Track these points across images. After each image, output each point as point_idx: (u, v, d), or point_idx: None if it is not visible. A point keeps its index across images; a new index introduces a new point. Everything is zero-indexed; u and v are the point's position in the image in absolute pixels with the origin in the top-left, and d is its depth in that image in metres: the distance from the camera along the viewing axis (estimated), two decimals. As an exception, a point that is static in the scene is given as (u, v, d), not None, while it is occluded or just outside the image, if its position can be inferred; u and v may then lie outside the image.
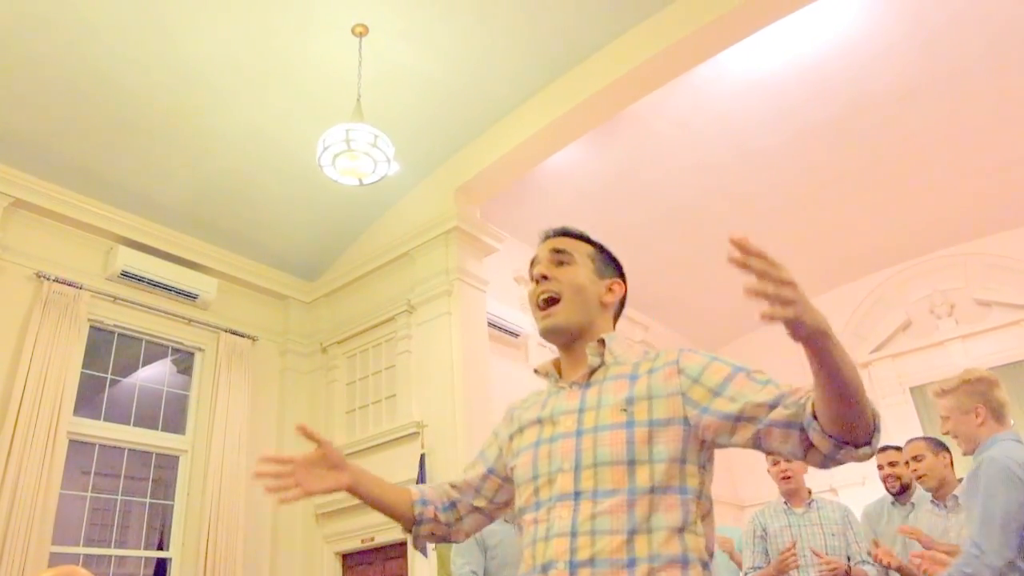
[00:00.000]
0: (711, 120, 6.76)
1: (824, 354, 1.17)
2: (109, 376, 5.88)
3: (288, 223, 6.72)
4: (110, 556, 5.58)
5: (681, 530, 1.21)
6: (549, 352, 6.37)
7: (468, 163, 6.39)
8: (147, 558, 5.79)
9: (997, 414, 2.45)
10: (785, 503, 3.67)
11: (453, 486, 1.65)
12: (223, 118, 5.64)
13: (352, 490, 1.56)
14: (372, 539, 6.08)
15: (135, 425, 5.88)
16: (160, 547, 5.85)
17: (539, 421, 1.40)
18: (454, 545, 3.52)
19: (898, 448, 3.82)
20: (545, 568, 1.22)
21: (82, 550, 5.32)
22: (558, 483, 1.27)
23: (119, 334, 5.98)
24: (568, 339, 1.43)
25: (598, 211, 7.64)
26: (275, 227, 6.71)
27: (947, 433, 2.44)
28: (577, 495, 1.24)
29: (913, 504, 3.77)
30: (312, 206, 6.58)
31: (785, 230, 8.65)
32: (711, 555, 1.28)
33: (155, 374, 6.25)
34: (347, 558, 6.35)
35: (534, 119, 5.93)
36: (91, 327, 5.72)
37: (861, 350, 9.88)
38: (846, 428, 1.17)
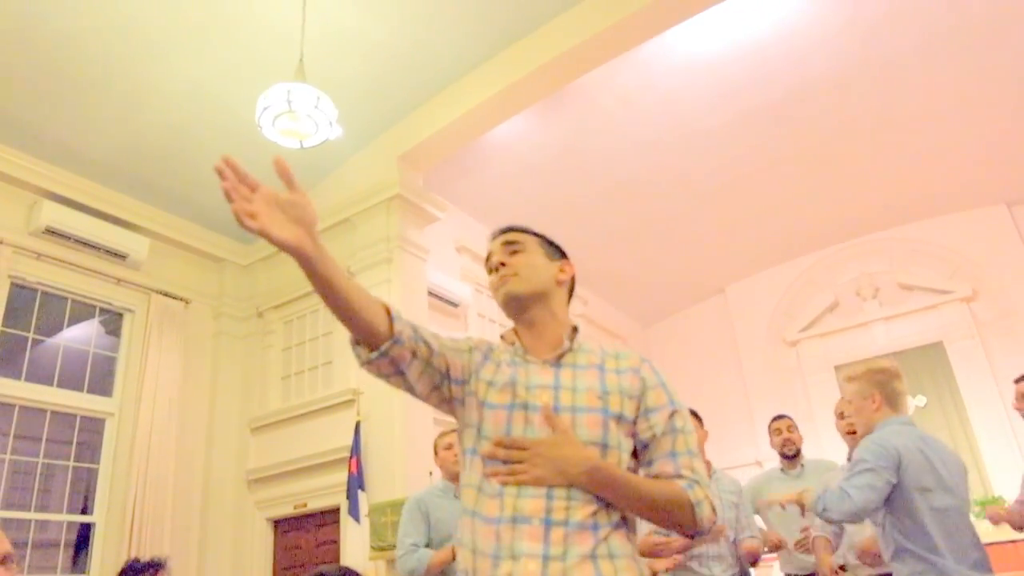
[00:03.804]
0: (656, 98, 6.83)
1: None
2: (31, 335, 5.66)
3: (225, 184, 6.52)
4: (30, 520, 5.42)
5: None
6: (488, 322, 6.41)
7: (412, 130, 6.31)
8: (70, 523, 5.65)
9: (892, 402, 2.67)
10: None
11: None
12: (160, 71, 5.42)
13: (308, 259, 1.30)
14: (305, 505, 6.06)
15: (59, 386, 5.69)
16: (84, 511, 5.71)
17: (512, 384, 1.46)
18: (402, 515, 3.52)
19: (788, 417, 4.04)
20: (515, 520, 1.32)
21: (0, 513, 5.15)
22: None
23: (43, 292, 5.76)
24: (524, 308, 1.55)
25: (541, 184, 7.67)
26: (211, 187, 6.48)
27: (847, 416, 2.68)
28: None
29: (803, 467, 3.96)
30: (251, 167, 6.23)
31: (723, 210, 8.85)
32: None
33: (81, 335, 6.05)
34: (279, 524, 6.32)
35: (480, 89, 5.88)
36: (12, 284, 5.49)
37: (791, 329, 10.23)
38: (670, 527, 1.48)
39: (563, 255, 1.67)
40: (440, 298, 6.92)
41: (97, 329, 6.17)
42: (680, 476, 1.41)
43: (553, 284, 1.59)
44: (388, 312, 1.40)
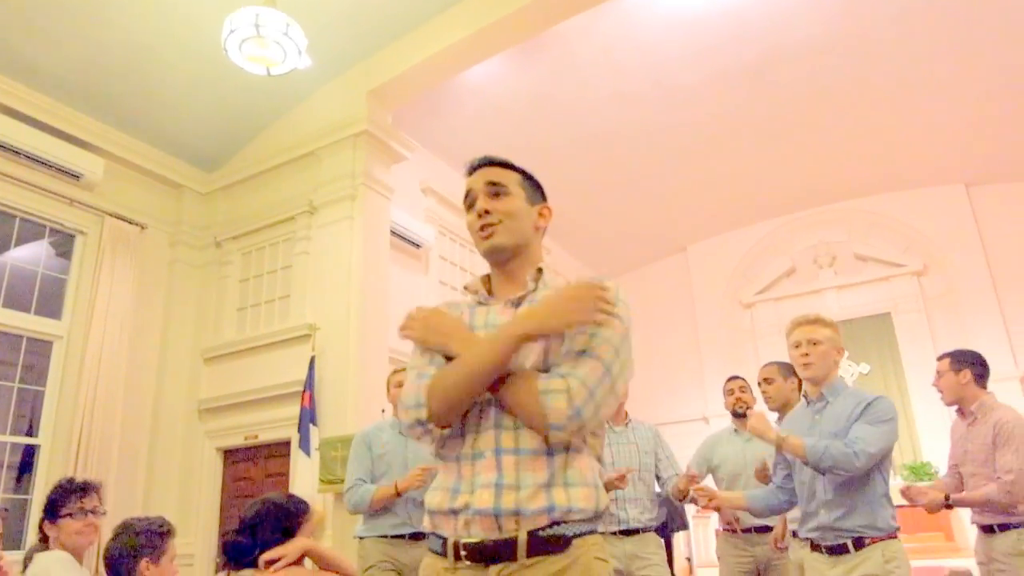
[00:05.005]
0: (633, 50, 6.76)
1: None
2: (-23, 252, 5.50)
3: (188, 107, 6.33)
4: (-27, 438, 5.35)
5: None
6: (449, 265, 6.40)
7: (384, 66, 6.16)
8: (14, 444, 5.58)
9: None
10: (607, 422, 3.72)
11: None
12: (119, -17, 5.19)
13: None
14: (255, 437, 6.07)
15: (5, 307, 5.55)
16: (29, 434, 5.64)
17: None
18: (350, 451, 3.56)
19: (743, 378, 4.13)
20: (474, 456, 1.35)
21: (-59, 430, 5.06)
22: None
23: (-10, 208, 5.57)
24: (506, 258, 1.55)
25: (512, 129, 7.59)
26: (173, 110, 6.31)
27: (806, 356, 2.67)
28: None
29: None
30: (215, 92, 6.21)
31: (692, 169, 8.88)
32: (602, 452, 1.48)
33: (30, 255, 5.88)
34: (229, 454, 6.33)
35: (456, 27, 5.75)
36: (-42, 197, 5.30)
37: (747, 291, 10.42)
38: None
39: (543, 196, 1.65)
40: (403, 238, 6.87)
41: (47, 250, 6.00)
42: (561, 375, 1.33)
43: (532, 231, 1.58)
44: None
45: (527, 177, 1.62)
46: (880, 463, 2.50)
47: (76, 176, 5.85)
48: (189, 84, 6.09)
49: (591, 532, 1.34)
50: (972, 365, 3.36)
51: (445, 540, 1.34)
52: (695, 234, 10.77)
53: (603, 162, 8.46)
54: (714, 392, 10.09)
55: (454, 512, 1.33)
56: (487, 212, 1.53)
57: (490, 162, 1.60)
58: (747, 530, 3.75)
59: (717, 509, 2.98)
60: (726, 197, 9.71)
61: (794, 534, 3.27)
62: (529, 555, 1.27)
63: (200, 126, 6.56)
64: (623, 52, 6.77)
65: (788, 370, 3.63)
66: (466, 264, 8.03)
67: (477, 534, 1.30)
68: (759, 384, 3.73)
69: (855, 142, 8.51)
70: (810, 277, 10.16)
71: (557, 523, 1.29)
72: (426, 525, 1.42)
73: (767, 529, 3.68)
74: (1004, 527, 3.10)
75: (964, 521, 7.53)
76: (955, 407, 3.46)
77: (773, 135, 8.28)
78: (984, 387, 3.36)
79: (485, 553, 1.29)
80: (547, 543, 1.28)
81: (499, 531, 1.29)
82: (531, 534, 1.28)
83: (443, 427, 1.38)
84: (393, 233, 6.55)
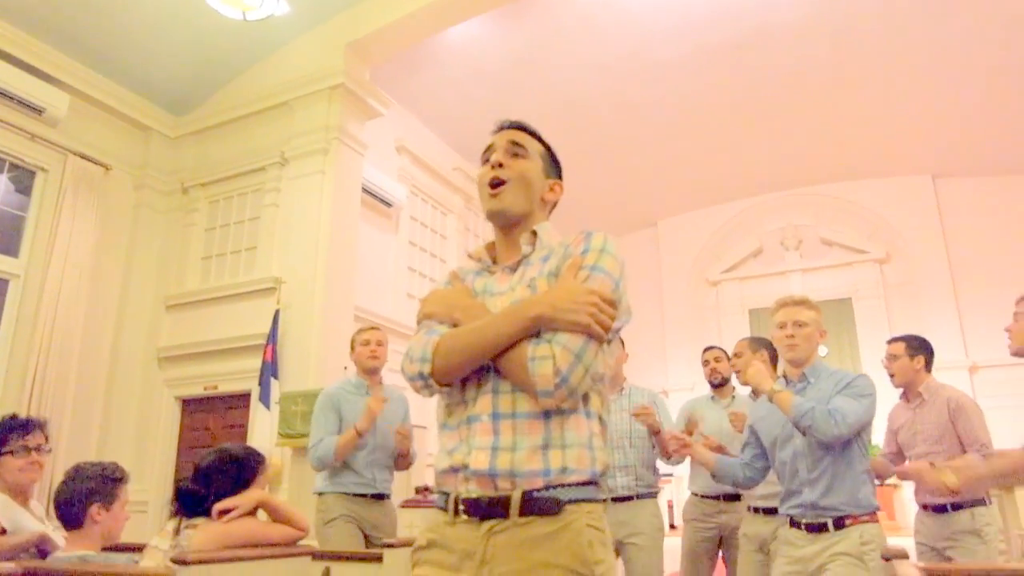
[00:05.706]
0: (616, 20, 6.71)
1: None
2: (-68, 182, 5.32)
3: (159, 47, 6.14)
4: (-77, 374, 5.23)
5: None
6: (420, 226, 6.35)
7: (364, 18, 6.03)
8: (-34, 381, 5.47)
9: None
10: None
11: None
12: (91, -88, 4.98)
13: None
14: (215, 387, 6.03)
15: (-40, 240, 5.41)
16: (-18, 371, 5.53)
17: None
18: (315, 409, 3.54)
19: (720, 348, 4.18)
20: (470, 420, 1.37)
21: None
22: None
23: (-53, 138, 5.38)
24: (509, 223, 1.56)
25: (489, 92, 7.51)
26: (144, 49, 6.12)
27: (791, 337, 2.68)
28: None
29: (733, 398, 4.12)
30: (188, 33, 6.02)
31: (666, 144, 8.89)
32: (606, 411, 1.45)
33: (-12, 189, 5.71)
34: (187, 404, 6.29)
35: (440, -17, 5.64)
36: (-87, 125, 5.10)
37: (714, 269, 10.53)
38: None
39: (559, 175, 1.68)
40: (374, 196, 6.81)
41: (6, 185, 5.82)
42: (547, 341, 1.32)
43: (539, 203, 1.60)
44: None
45: (549, 151, 1.65)
46: (859, 439, 2.56)
47: (38, 110, 5.67)
48: (162, 23, 5.90)
49: (588, 500, 1.34)
50: (925, 352, 3.47)
51: (448, 495, 1.38)
52: (667, 209, 10.82)
53: (578, 131, 8.42)
54: (676, 366, 10.27)
55: (454, 470, 1.36)
56: (500, 165, 1.54)
57: (520, 126, 1.62)
58: (716, 497, 3.82)
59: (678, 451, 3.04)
60: (699, 174, 9.75)
61: (756, 510, 3.36)
62: (521, 514, 1.29)
63: (171, 68, 6.38)
64: (605, 21, 6.71)
65: (758, 343, 3.68)
66: (437, 226, 7.99)
67: (475, 490, 1.33)
68: (730, 360, 3.79)
69: (828, 128, 8.59)
70: (776, 259, 10.29)
71: (552, 487, 1.31)
72: (433, 485, 1.44)
73: (736, 498, 3.75)
74: (957, 507, 3.21)
75: (907, 502, 7.81)
76: (901, 390, 3.58)
77: (749, 116, 8.31)
78: (930, 372, 3.49)
79: (480, 508, 1.31)
80: (540, 504, 1.30)
81: (495, 489, 1.31)
82: (525, 493, 1.30)
83: (443, 385, 1.40)
84: (364, 190, 6.48)
